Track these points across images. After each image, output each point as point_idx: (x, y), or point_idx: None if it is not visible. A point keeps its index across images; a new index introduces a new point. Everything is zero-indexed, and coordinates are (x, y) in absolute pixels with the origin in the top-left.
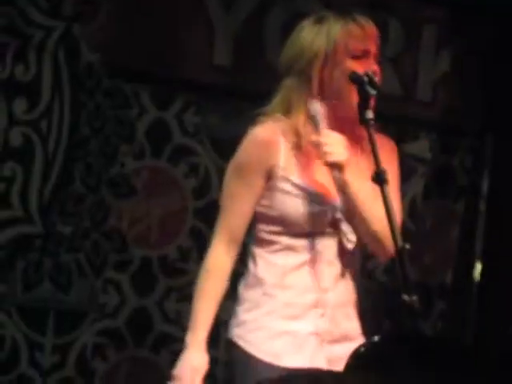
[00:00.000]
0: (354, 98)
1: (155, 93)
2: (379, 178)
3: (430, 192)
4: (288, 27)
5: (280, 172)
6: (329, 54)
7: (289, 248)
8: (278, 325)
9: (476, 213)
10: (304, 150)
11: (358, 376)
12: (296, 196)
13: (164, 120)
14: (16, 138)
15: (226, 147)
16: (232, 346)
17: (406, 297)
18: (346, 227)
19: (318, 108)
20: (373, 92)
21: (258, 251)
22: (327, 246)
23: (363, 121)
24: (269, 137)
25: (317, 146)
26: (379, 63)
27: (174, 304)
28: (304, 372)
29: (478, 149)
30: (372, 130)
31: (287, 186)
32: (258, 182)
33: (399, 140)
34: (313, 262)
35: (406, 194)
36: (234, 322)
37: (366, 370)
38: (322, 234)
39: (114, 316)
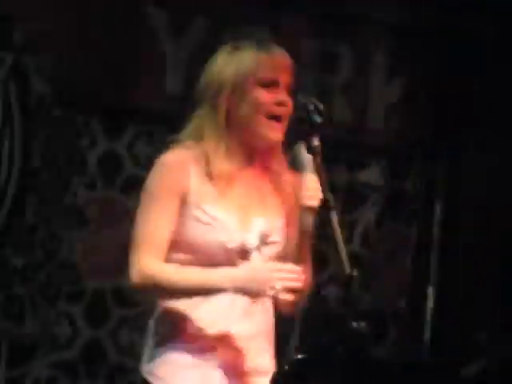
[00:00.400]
0: (263, 127)
1: (106, 123)
2: (326, 205)
3: (382, 218)
4: None
5: (192, 198)
6: (237, 83)
7: None
8: (187, 359)
9: (429, 237)
10: (216, 179)
11: None
12: (206, 223)
13: (115, 150)
14: None
15: None
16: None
17: (354, 323)
18: (257, 259)
19: (303, 150)
20: (318, 120)
21: None
22: None
23: (309, 148)
24: (179, 161)
25: (292, 186)
26: (290, 94)
27: (127, 335)
28: None
29: (430, 173)
30: (318, 158)
31: (198, 213)
32: (172, 206)
33: (350, 168)
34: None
35: (359, 222)
36: (145, 357)
37: None
38: (233, 264)
39: (67, 348)
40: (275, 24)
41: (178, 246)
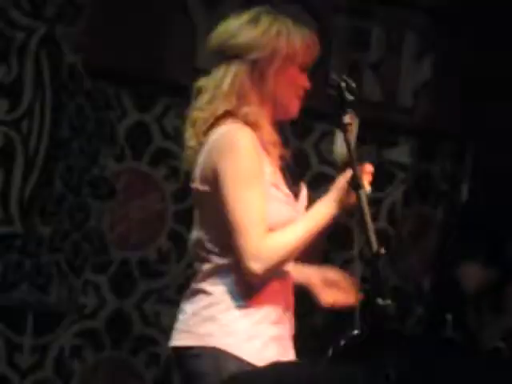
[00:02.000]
0: (291, 105)
1: (136, 95)
2: (354, 184)
3: (409, 197)
4: None
5: (267, 177)
6: (286, 59)
7: None
8: (270, 331)
9: (455, 218)
10: (269, 149)
11: (339, 369)
12: (284, 201)
13: (145, 123)
14: None
15: None
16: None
17: (380, 301)
18: None
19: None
20: (350, 98)
21: None
22: None
23: (341, 126)
24: (254, 142)
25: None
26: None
27: (152, 306)
28: (282, 364)
29: (459, 155)
30: (349, 136)
31: (274, 191)
32: (263, 188)
33: (379, 146)
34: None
35: (386, 200)
36: (220, 330)
37: (346, 363)
38: None
39: (92, 317)
40: (308, 0)
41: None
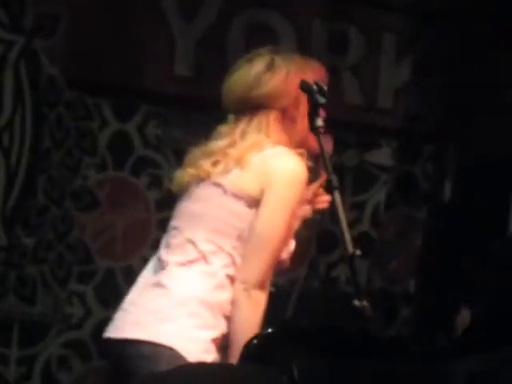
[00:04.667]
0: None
1: (117, 105)
2: (329, 185)
3: (392, 199)
4: (250, 36)
5: None
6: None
7: None
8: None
9: (439, 219)
10: None
11: (250, 367)
12: None
13: (126, 132)
14: None
15: None
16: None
17: (356, 302)
18: None
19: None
20: (322, 100)
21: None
22: None
23: (313, 128)
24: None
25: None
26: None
27: None
28: (195, 364)
29: (439, 155)
30: (321, 138)
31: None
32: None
33: (361, 149)
34: None
35: (369, 202)
36: (180, 333)
37: (258, 362)
38: None
39: (78, 328)
40: (287, 5)
41: None
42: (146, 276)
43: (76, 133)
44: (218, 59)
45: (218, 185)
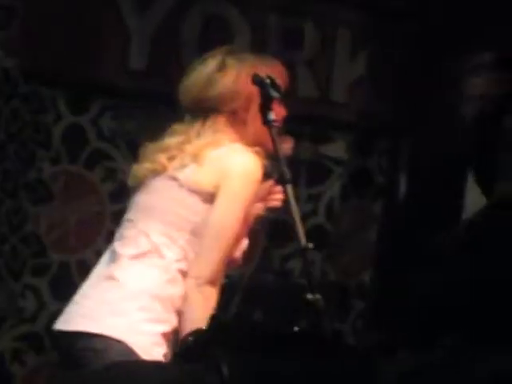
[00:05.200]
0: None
1: (71, 98)
2: (282, 178)
3: (347, 192)
4: (204, 29)
5: None
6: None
7: None
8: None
9: (393, 212)
10: None
11: (185, 366)
12: None
13: (80, 125)
14: None
15: None
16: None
17: (309, 296)
18: None
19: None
20: (275, 94)
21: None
22: None
23: (266, 122)
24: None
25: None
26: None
27: None
28: (128, 362)
29: (394, 149)
30: (274, 132)
31: None
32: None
33: (315, 142)
34: None
35: (324, 195)
36: (129, 326)
37: (193, 359)
38: None
39: (32, 321)
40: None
41: None
42: (99, 269)
43: (30, 125)
44: (172, 52)
45: (173, 178)
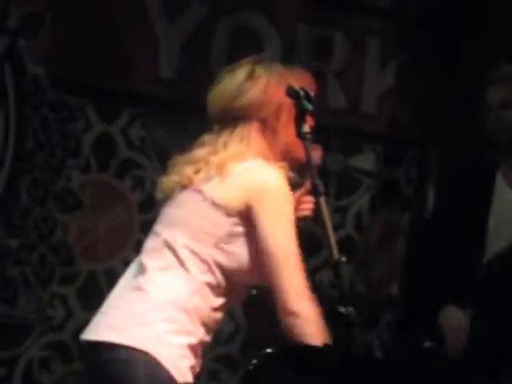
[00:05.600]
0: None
1: (101, 106)
2: (315, 191)
3: (376, 204)
4: (234, 39)
5: None
6: (290, 107)
7: None
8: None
9: (421, 224)
10: None
11: None
12: None
13: (109, 133)
14: None
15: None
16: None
17: (342, 308)
18: None
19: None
20: (309, 106)
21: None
22: None
23: (300, 135)
24: None
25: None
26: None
27: None
28: None
29: (422, 160)
30: (308, 144)
31: None
32: None
33: (344, 153)
34: None
35: (352, 207)
36: (156, 338)
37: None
38: None
39: (60, 330)
40: (272, 9)
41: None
42: (127, 279)
43: (59, 134)
44: (201, 62)
45: (198, 191)
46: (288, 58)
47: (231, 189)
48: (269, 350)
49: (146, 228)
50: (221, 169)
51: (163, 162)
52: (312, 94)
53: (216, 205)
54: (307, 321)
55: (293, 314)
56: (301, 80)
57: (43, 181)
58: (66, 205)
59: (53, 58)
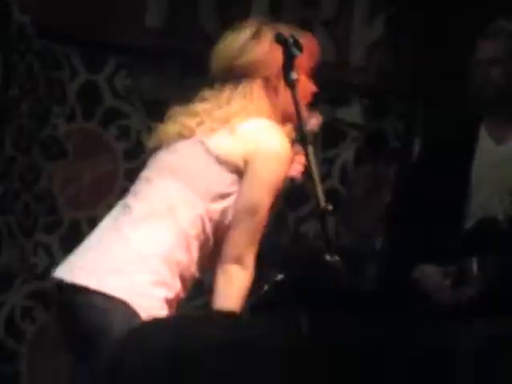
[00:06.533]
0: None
1: (86, 55)
2: (303, 139)
3: (361, 156)
4: None
5: None
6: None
7: None
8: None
9: (407, 177)
10: None
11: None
12: None
13: (95, 82)
14: None
15: (158, 109)
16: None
17: (328, 257)
18: None
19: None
20: (297, 53)
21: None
22: None
23: (288, 81)
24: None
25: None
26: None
27: None
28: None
29: (410, 113)
30: (296, 91)
31: None
32: None
33: (331, 105)
34: None
35: (338, 158)
36: (133, 288)
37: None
38: None
39: (43, 278)
40: None
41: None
42: (107, 220)
43: (45, 82)
44: (188, 11)
45: (201, 143)
46: (276, 7)
47: (234, 146)
48: (280, 276)
49: (131, 177)
50: (225, 123)
51: (148, 111)
52: (313, 49)
53: (218, 159)
54: (231, 285)
55: (224, 270)
56: (305, 42)
57: (28, 129)
58: (51, 153)
59: (39, 7)
